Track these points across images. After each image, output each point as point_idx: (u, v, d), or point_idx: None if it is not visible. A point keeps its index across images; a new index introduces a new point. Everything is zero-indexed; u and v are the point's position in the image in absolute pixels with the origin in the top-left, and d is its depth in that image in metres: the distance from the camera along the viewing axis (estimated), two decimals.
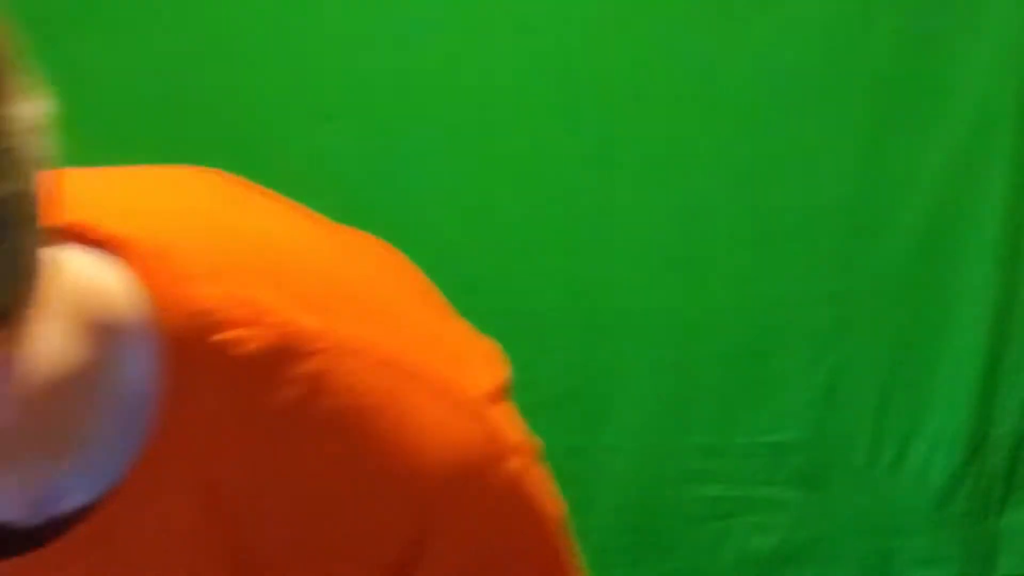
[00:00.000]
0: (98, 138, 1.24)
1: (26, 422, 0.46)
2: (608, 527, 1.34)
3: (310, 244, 0.54)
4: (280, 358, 0.48)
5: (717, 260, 1.29)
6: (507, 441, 0.51)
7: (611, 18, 1.24)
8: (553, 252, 1.27)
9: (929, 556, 1.38)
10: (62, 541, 0.48)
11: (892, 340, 1.33)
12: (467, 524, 0.50)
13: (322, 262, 0.54)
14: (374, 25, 1.22)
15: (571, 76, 1.24)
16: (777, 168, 1.28)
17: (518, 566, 0.53)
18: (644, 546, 1.35)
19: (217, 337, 0.47)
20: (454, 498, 0.49)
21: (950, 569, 1.38)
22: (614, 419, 1.31)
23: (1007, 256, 1.32)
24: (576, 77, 1.24)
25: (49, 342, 0.45)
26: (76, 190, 0.45)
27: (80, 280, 0.47)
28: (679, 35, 1.25)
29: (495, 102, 1.24)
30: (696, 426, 1.33)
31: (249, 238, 0.52)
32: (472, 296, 1.34)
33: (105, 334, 0.47)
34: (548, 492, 0.53)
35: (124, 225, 0.48)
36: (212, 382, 0.47)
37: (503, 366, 0.53)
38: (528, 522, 0.52)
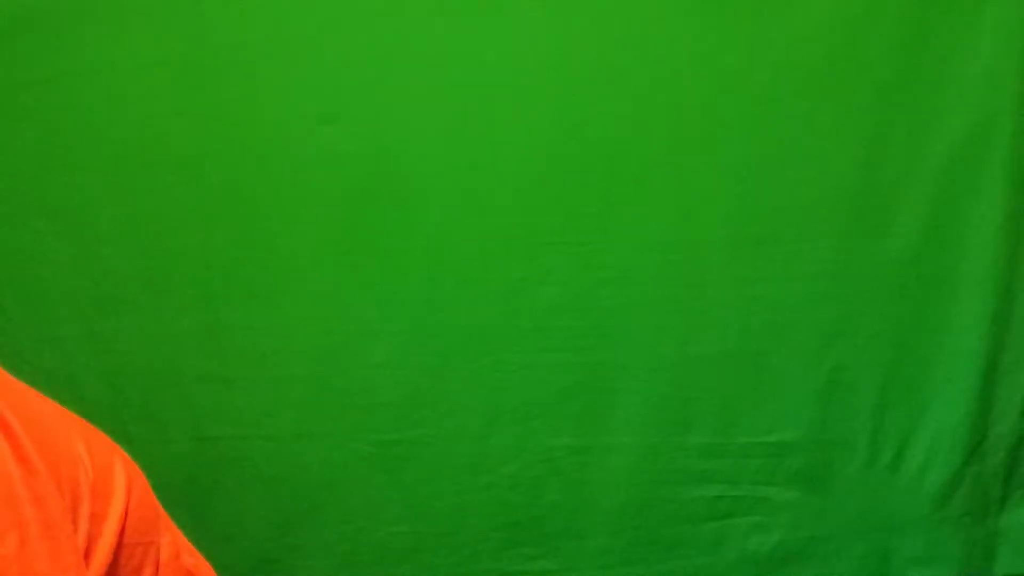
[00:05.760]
0: (98, 137, 1.24)
1: None
2: (608, 527, 1.34)
3: None
4: None
5: (717, 260, 1.29)
6: None
7: (611, 18, 1.24)
8: (553, 251, 1.27)
9: (928, 556, 1.38)
10: None
11: (892, 340, 1.33)
12: None
13: None
14: (374, 26, 1.22)
15: (571, 76, 1.24)
16: (777, 168, 1.28)
17: None
18: (644, 546, 1.35)
19: None
20: None
21: (949, 569, 1.38)
22: (614, 418, 1.32)
23: (1006, 256, 1.32)
24: (576, 77, 1.24)
25: None
26: None
27: None
28: (679, 35, 1.25)
29: (496, 102, 1.24)
30: (696, 426, 1.33)
31: None
32: (471, 296, 1.34)
33: None
34: None
35: None
36: None
37: None
38: None
